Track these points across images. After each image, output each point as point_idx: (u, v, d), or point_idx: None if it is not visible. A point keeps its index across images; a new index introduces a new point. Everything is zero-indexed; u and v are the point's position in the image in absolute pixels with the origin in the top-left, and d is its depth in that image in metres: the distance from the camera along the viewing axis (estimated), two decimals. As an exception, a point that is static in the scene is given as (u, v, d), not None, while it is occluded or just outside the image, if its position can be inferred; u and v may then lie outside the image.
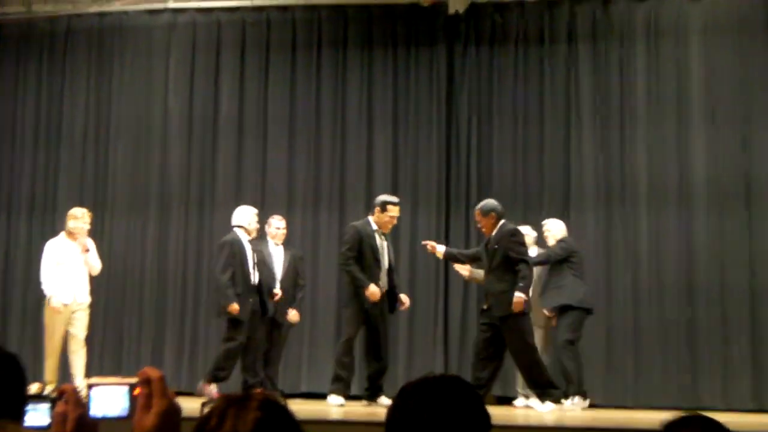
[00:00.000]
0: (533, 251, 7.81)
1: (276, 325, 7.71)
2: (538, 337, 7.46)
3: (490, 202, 6.83)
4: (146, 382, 1.72)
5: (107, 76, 9.51)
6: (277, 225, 7.91)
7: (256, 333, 7.26)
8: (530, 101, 8.94)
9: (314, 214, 9.10)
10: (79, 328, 7.73)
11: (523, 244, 6.69)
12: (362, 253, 6.84)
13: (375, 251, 6.84)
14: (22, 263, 9.36)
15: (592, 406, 7.76)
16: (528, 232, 7.70)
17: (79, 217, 7.77)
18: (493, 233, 6.70)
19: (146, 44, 9.47)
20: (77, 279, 7.69)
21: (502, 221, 6.75)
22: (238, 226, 7.41)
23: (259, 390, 3.29)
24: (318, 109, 9.20)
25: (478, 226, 6.75)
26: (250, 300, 7.27)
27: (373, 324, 6.90)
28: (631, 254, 8.59)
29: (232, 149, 9.29)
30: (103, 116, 9.52)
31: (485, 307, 6.69)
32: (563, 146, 8.85)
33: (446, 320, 8.77)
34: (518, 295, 6.46)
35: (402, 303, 7.01)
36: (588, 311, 7.56)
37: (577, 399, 7.39)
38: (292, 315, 7.80)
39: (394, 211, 6.97)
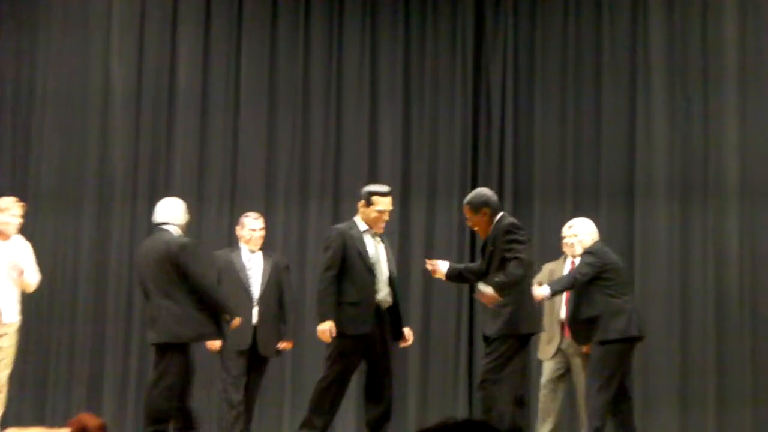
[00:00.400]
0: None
1: (257, 358, 7.07)
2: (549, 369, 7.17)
3: (481, 192, 6.31)
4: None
5: (29, 29, 9.00)
6: (252, 226, 7.22)
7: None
8: (584, 62, 8.56)
9: (301, 213, 8.72)
10: (7, 359, 6.96)
11: (520, 241, 6.07)
12: (349, 264, 6.31)
13: (365, 258, 6.32)
14: None
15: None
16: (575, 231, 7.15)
17: (5, 209, 6.95)
18: (490, 233, 6.18)
19: (81, -8, 9.06)
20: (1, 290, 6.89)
21: (500, 215, 6.19)
22: (166, 223, 6.53)
23: None
24: (306, 78, 8.86)
25: (469, 224, 6.31)
26: None
27: (371, 357, 6.34)
28: (714, 261, 8.22)
29: (193, 129, 8.83)
30: (24, 83, 9.00)
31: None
32: (627, 121, 8.42)
33: (471, 346, 8.42)
34: (483, 289, 5.94)
35: (404, 339, 6.50)
36: (631, 340, 6.88)
37: None
38: (284, 345, 7.21)
39: (382, 203, 6.35)
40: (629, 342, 6.89)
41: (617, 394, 6.91)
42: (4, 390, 6.89)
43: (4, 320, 6.80)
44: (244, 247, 7.19)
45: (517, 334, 5.98)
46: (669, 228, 8.25)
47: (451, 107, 8.68)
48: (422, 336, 8.32)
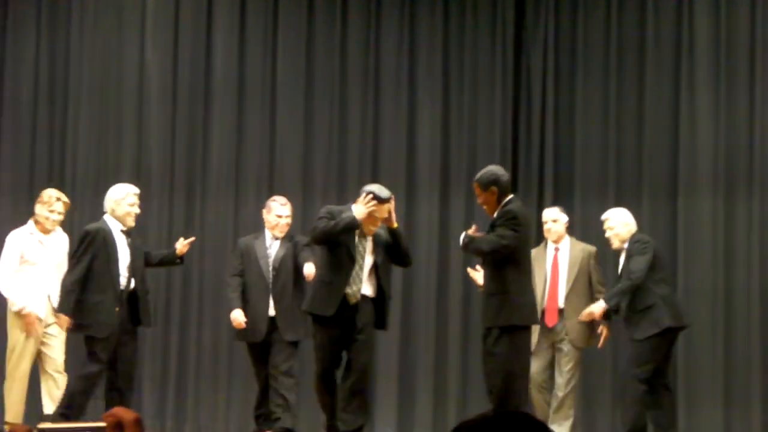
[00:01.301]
0: (565, 243, 7.43)
1: (280, 346, 7.17)
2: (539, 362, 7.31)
3: (491, 170, 6.26)
4: (117, 426, 1.92)
5: (63, 20, 9.04)
6: (278, 212, 7.23)
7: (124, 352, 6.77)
8: (627, 52, 8.53)
9: (339, 202, 8.28)
10: (57, 349, 7.20)
11: (515, 228, 6.01)
12: (334, 247, 6.39)
13: (350, 247, 6.38)
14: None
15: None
16: (555, 216, 7.41)
17: (45, 202, 7.19)
18: (495, 213, 6.11)
19: (116, -18, 9.06)
20: (52, 283, 7.10)
21: (509, 197, 6.15)
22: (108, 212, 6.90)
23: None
24: (343, 67, 8.83)
25: (479, 202, 6.31)
26: (116, 309, 6.67)
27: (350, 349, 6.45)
28: (760, 255, 8.19)
29: (230, 120, 8.86)
30: (59, 74, 9.02)
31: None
32: (671, 111, 8.41)
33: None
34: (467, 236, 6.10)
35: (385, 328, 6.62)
36: (678, 330, 7.11)
37: None
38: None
39: (377, 209, 6.36)
40: (673, 331, 7.04)
41: (658, 387, 7.06)
42: (64, 376, 7.10)
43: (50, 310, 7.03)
44: (268, 234, 7.21)
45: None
46: (713, 222, 8.24)
47: (491, 101, 8.68)
48: (463, 329, 8.38)
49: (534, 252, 7.14)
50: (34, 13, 9.02)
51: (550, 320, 7.35)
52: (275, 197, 7.38)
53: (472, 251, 6.16)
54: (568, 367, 7.36)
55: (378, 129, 8.79)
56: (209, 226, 8.62)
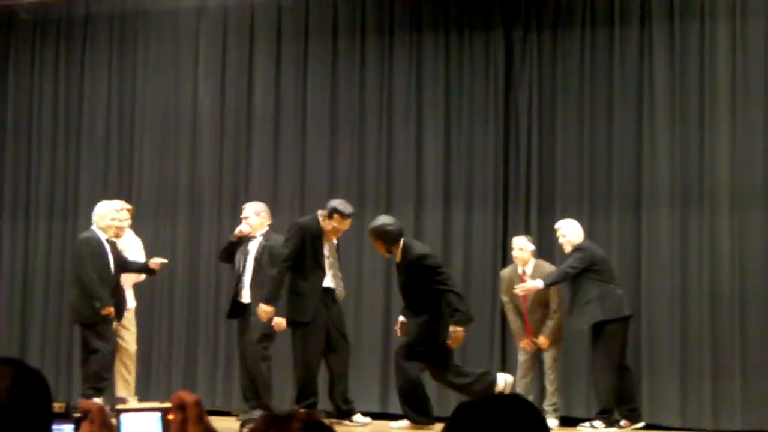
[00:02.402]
0: (530, 267, 8.10)
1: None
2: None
3: (380, 221, 6.88)
4: (181, 407, 1.74)
5: (130, 66, 9.72)
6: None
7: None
8: (598, 91, 8.94)
9: (358, 218, 8.77)
10: (130, 339, 8.15)
11: (438, 271, 6.92)
12: (303, 254, 6.95)
13: (318, 253, 6.94)
14: (42, 271, 9.81)
15: (649, 427, 8.08)
16: (522, 245, 8.01)
17: (120, 209, 8.16)
18: (397, 256, 6.84)
19: (173, 30, 9.69)
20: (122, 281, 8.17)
21: (403, 241, 6.82)
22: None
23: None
24: (362, 101, 9.33)
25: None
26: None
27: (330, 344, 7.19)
28: (710, 262, 8.61)
29: (268, 145, 9.47)
30: (127, 109, 9.73)
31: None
32: (635, 141, 8.81)
33: (504, 337, 8.90)
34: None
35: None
36: (627, 319, 7.78)
37: (623, 422, 7.81)
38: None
39: (340, 223, 6.95)
40: (624, 320, 7.75)
41: (619, 368, 7.80)
42: (135, 364, 8.04)
43: (129, 306, 8.06)
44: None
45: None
46: (670, 233, 8.59)
47: (485, 128, 9.07)
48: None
49: (507, 271, 8.00)
50: (106, 57, 9.76)
51: (529, 344, 8.13)
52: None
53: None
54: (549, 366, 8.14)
55: (391, 155, 9.23)
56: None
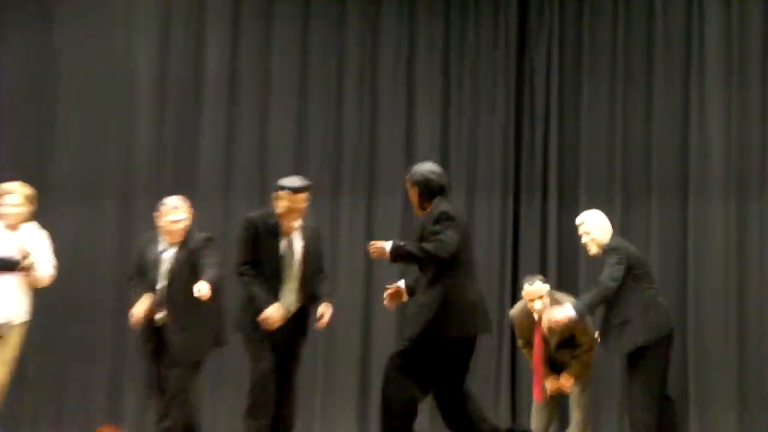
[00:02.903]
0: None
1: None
2: None
3: (424, 167, 5.98)
4: None
5: (51, 24, 9.22)
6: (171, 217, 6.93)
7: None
8: (634, 50, 8.73)
9: (333, 210, 8.79)
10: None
11: (450, 227, 5.69)
12: (259, 255, 6.33)
13: (274, 251, 6.32)
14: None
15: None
16: (539, 291, 7.15)
17: (3, 194, 6.96)
18: (422, 216, 5.92)
19: (105, -19, 9.29)
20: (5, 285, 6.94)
21: (437, 199, 5.88)
22: None
23: None
24: (340, 66, 9.00)
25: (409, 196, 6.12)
26: None
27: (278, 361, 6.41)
28: None
29: (221, 120, 9.02)
30: (47, 75, 9.17)
31: None
32: (680, 113, 8.60)
33: (513, 354, 8.52)
34: (382, 243, 5.66)
35: (320, 316, 6.39)
36: (671, 335, 6.98)
37: None
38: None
39: (289, 199, 6.33)
40: (668, 337, 6.91)
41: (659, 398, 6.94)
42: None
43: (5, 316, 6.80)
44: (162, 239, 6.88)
45: (444, 337, 5.65)
46: (725, 223, 8.38)
47: (493, 99, 8.80)
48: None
49: (517, 310, 7.23)
50: (20, 11, 9.11)
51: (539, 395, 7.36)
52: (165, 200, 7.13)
53: (407, 256, 5.75)
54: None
55: (375, 130, 8.85)
56: (199, 229, 8.35)
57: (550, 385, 7.22)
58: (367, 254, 8.00)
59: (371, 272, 8.57)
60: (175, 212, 6.78)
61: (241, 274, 6.31)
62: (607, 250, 6.82)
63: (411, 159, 8.64)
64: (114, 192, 8.92)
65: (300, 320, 6.38)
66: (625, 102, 8.61)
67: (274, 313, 6.19)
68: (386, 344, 8.19)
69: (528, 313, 7.24)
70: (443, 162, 8.58)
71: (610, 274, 6.70)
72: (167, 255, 6.74)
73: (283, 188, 6.33)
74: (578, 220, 7.14)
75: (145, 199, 8.76)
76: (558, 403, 7.42)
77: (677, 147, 8.53)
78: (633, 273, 6.85)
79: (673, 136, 8.54)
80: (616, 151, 8.59)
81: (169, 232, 6.73)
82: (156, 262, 6.71)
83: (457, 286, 5.58)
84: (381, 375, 8.05)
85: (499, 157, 8.72)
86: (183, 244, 6.70)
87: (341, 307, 8.47)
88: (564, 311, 6.67)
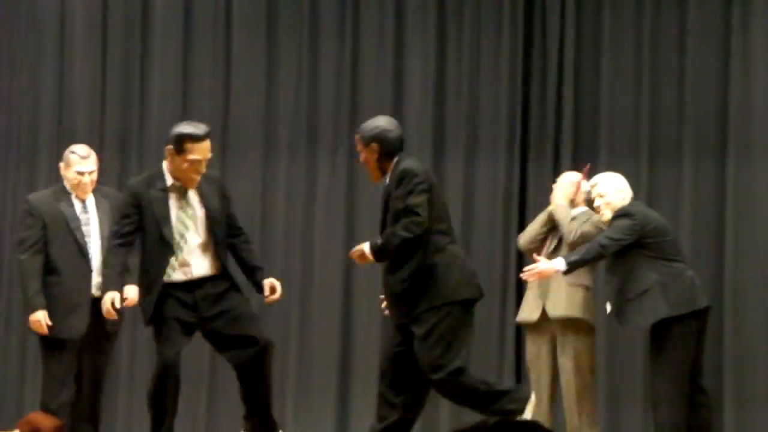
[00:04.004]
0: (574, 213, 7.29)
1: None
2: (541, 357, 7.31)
3: (377, 122, 6.19)
4: None
5: None
6: (80, 167, 6.94)
7: None
8: None
9: (308, 169, 8.57)
10: None
11: (415, 191, 5.94)
12: (146, 229, 6.14)
13: (163, 223, 6.11)
14: None
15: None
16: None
17: None
18: (386, 178, 6.08)
19: None
20: None
21: (398, 156, 6.10)
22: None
23: None
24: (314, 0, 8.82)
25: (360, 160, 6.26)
26: None
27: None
28: None
29: (173, 63, 8.79)
30: None
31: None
32: (718, 57, 8.26)
33: (519, 330, 8.24)
34: (361, 248, 5.98)
35: (271, 289, 6.28)
36: (703, 313, 6.99)
37: None
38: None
39: (197, 151, 6.12)
40: (699, 316, 6.93)
41: (690, 389, 6.99)
42: None
43: None
44: (72, 195, 6.85)
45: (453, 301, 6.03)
46: None
47: (497, 45, 8.53)
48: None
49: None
50: None
51: None
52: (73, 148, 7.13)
53: (391, 251, 6.02)
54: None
55: (356, 77, 8.63)
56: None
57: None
58: (347, 233, 8.41)
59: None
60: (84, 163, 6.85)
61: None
62: (619, 215, 6.85)
63: (399, 114, 8.53)
64: (46, 150, 8.73)
65: (218, 293, 6.17)
66: (654, 47, 8.21)
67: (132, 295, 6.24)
68: (370, 334, 8.36)
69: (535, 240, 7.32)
70: (438, 115, 8.60)
71: (611, 233, 6.79)
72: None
73: (184, 137, 6.04)
74: (592, 181, 7.14)
75: None
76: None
77: (714, 96, 8.18)
78: (652, 242, 6.88)
79: (710, 87, 8.17)
80: (643, 106, 8.24)
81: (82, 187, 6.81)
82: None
83: (438, 249, 5.89)
84: (362, 374, 8.34)
85: (505, 107, 8.43)
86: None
87: (317, 292, 8.71)
88: (550, 264, 6.74)
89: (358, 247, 5.89)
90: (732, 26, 8.20)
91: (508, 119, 8.49)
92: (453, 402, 6.50)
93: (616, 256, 6.91)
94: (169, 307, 6.05)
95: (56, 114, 8.69)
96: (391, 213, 5.92)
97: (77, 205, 6.79)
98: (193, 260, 6.14)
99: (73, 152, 6.85)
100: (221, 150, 8.51)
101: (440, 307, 5.94)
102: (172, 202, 6.12)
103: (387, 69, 8.60)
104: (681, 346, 6.95)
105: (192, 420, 8.63)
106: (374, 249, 5.80)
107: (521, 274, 7.05)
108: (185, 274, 6.11)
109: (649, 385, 7.44)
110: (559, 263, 6.76)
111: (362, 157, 6.06)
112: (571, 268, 6.79)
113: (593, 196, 7.13)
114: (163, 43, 8.72)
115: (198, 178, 6.12)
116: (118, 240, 6.13)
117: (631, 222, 6.85)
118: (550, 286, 7.18)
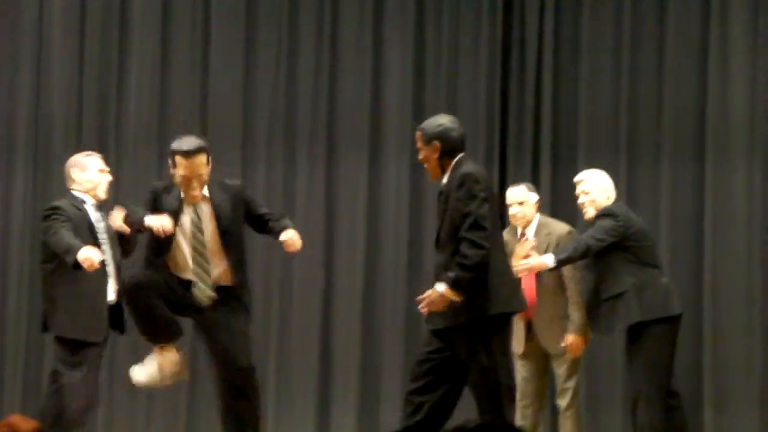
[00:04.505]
0: (532, 229, 7.36)
1: None
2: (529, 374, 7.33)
3: (441, 119, 6.12)
4: None
5: None
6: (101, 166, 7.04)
7: None
8: None
9: (286, 166, 8.61)
10: None
11: (478, 197, 5.84)
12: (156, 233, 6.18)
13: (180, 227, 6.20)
14: None
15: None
16: (522, 197, 7.37)
17: None
18: (444, 178, 6.05)
19: None
20: None
21: (459, 156, 6.06)
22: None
23: None
24: None
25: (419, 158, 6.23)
26: None
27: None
28: None
29: (151, 58, 8.82)
30: None
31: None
32: (698, 59, 8.33)
33: None
34: (430, 293, 5.74)
35: (288, 240, 6.29)
36: (676, 319, 7.03)
37: None
38: None
39: (185, 167, 6.16)
40: (672, 321, 6.96)
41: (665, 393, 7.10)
42: None
43: None
44: (88, 199, 6.87)
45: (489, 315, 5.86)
46: (747, 189, 8.18)
47: (476, 40, 8.61)
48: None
49: (506, 236, 7.27)
50: None
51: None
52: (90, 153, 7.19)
53: (472, 278, 5.90)
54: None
55: (335, 75, 8.73)
56: (126, 189, 8.38)
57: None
58: (327, 233, 8.49)
59: (332, 252, 8.52)
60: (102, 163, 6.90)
61: None
62: (604, 214, 6.88)
63: (378, 113, 8.78)
64: (22, 149, 8.79)
65: (221, 299, 6.17)
66: (633, 43, 8.31)
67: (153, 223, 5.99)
68: (349, 336, 8.38)
69: (512, 239, 7.31)
70: (416, 113, 8.49)
71: (595, 233, 6.83)
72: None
73: (180, 153, 6.08)
74: (577, 178, 7.15)
75: (62, 156, 8.19)
76: (545, 377, 7.33)
77: (694, 99, 8.27)
78: (633, 245, 6.91)
79: (689, 86, 8.27)
80: (621, 105, 8.36)
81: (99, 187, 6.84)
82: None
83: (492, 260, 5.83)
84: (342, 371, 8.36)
85: (483, 106, 8.49)
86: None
87: (297, 292, 8.66)
88: (540, 259, 6.82)
89: (433, 294, 5.62)
90: (711, 28, 8.27)
91: (487, 119, 8.53)
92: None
93: (596, 255, 6.95)
94: (171, 278, 6.05)
95: (33, 108, 8.69)
96: (450, 213, 5.82)
97: (93, 213, 6.83)
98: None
99: (88, 155, 6.93)
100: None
101: (489, 317, 5.84)
102: (185, 213, 6.17)
103: (365, 65, 8.64)
104: (656, 348, 6.98)
105: (174, 417, 8.61)
106: (452, 285, 5.59)
107: (513, 268, 7.04)
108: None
109: (626, 389, 7.54)
110: (549, 259, 6.83)
111: (422, 154, 5.99)
112: (559, 264, 6.88)
113: (578, 192, 7.14)
114: (141, 38, 8.75)
115: (194, 192, 6.15)
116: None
117: (615, 223, 6.89)
118: (539, 324, 7.20)
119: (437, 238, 5.98)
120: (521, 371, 7.34)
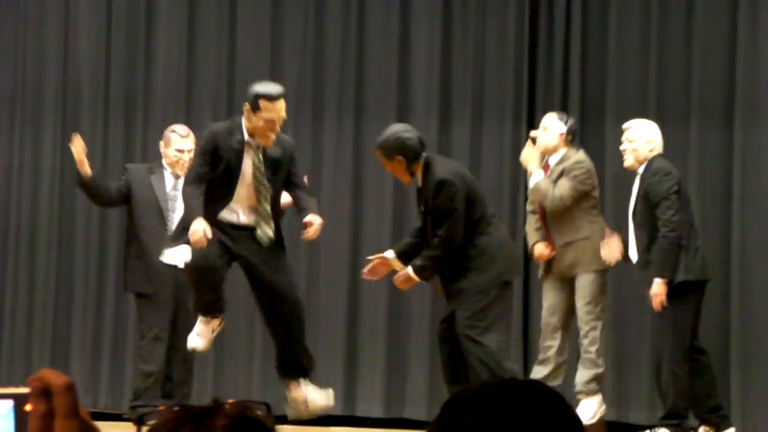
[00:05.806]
0: (556, 157, 7.51)
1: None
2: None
3: (393, 131, 6.51)
4: (44, 393, 1.73)
5: None
6: (180, 146, 7.38)
7: None
8: None
9: (314, 134, 8.63)
10: None
11: (454, 198, 6.48)
12: (216, 174, 6.47)
13: (234, 172, 6.45)
14: None
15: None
16: (550, 123, 7.42)
17: None
18: (418, 180, 6.52)
19: None
20: None
21: (425, 157, 6.43)
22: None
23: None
24: None
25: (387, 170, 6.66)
26: None
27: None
28: None
29: (179, 22, 8.82)
30: None
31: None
32: (727, 18, 8.29)
33: (526, 312, 8.48)
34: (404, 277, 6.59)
35: (308, 224, 6.60)
36: (704, 285, 7.38)
37: (702, 429, 7.45)
38: None
39: (271, 110, 6.43)
40: (704, 286, 7.24)
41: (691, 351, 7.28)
42: None
43: None
44: (167, 171, 7.30)
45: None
46: None
47: (504, 11, 8.60)
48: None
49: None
50: None
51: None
52: (174, 127, 7.50)
53: (436, 268, 6.71)
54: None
55: (363, 45, 8.77)
56: (153, 158, 8.34)
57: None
58: (355, 194, 8.68)
59: (359, 217, 8.56)
60: (184, 141, 7.22)
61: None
62: (661, 174, 6.97)
63: (405, 83, 8.60)
64: (51, 109, 8.84)
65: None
66: (661, 11, 8.26)
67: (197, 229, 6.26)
68: (377, 301, 8.38)
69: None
70: (444, 79, 8.63)
71: (667, 220, 6.96)
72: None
73: (260, 96, 6.32)
74: (626, 125, 7.24)
75: (88, 123, 8.72)
76: (570, 323, 7.45)
77: (722, 62, 8.24)
78: (683, 204, 7.10)
79: (717, 48, 8.26)
80: (650, 69, 8.32)
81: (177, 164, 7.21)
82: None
83: (483, 234, 6.46)
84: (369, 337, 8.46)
85: (512, 71, 8.53)
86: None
87: (324, 260, 8.74)
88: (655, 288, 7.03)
89: (402, 275, 6.45)
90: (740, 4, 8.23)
91: (515, 84, 8.58)
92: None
93: (649, 212, 7.08)
94: (215, 231, 6.36)
95: (61, 73, 8.79)
96: (431, 215, 6.37)
97: (169, 182, 7.20)
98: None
99: (173, 131, 7.28)
100: (227, 109, 8.55)
101: (488, 290, 6.48)
102: (247, 157, 6.39)
103: (393, 33, 8.67)
104: (685, 309, 7.23)
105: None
106: (417, 270, 6.41)
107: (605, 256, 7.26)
108: (239, 218, 6.46)
109: (654, 348, 7.70)
110: (659, 287, 7.02)
111: (388, 168, 6.49)
112: (668, 278, 7.08)
113: (622, 139, 7.19)
114: (169, 2, 8.77)
115: (273, 136, 6.39)
116: (196, 180, 6.42)
117: (673, 179, 7.03)
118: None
119: (423, 236, 6.52)
120: (548, 312, 7.49)
